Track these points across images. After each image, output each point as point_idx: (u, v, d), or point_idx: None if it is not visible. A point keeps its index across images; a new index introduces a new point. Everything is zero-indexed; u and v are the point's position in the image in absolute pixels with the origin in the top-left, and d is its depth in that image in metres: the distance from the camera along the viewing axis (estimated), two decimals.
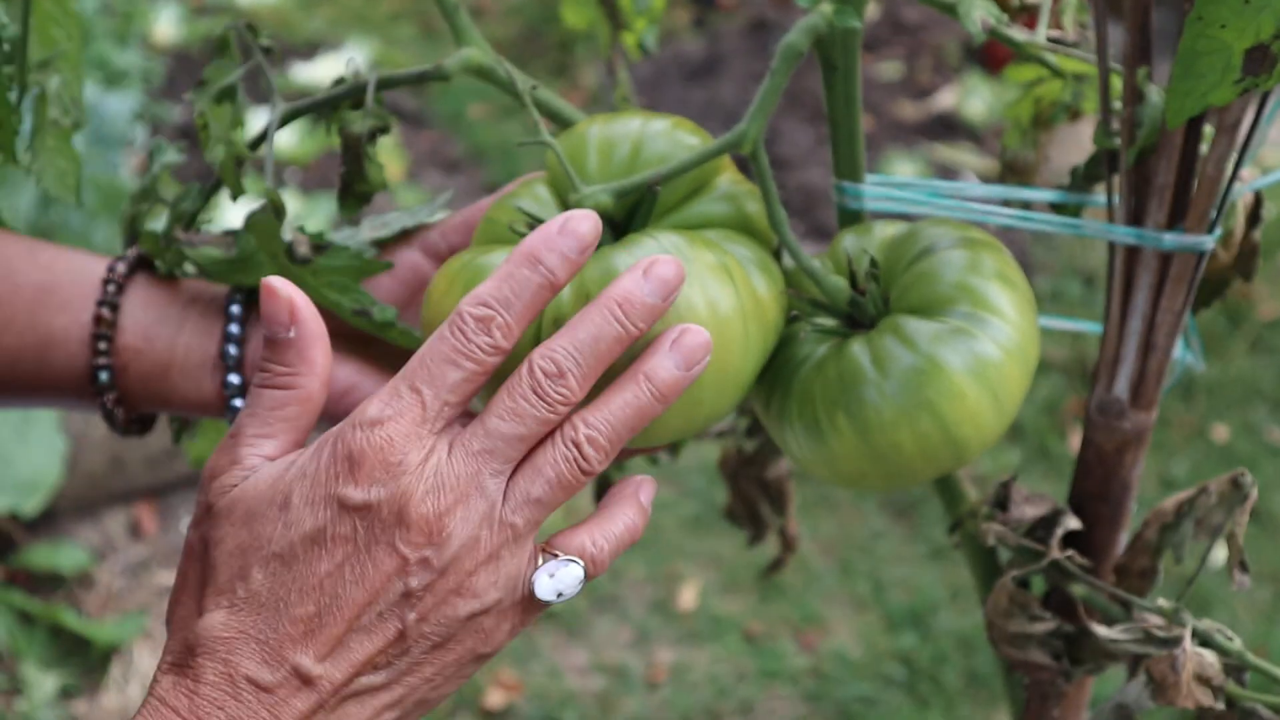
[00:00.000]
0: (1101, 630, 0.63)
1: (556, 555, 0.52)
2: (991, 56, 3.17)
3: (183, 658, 0.51)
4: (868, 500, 2.36)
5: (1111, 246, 0.64)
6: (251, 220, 0.64)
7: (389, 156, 2.84)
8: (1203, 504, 0.64)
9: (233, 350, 0.65)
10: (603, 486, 0.91)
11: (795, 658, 2.08)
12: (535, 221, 0.58)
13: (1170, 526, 0.65)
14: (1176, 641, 0.60)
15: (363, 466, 0.49)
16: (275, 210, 0.64)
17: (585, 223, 0.52)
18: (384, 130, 0.68)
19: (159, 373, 0.67)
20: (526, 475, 0.51)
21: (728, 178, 0.60)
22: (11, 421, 1.94)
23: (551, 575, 0.52)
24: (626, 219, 0.59)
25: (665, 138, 0.59)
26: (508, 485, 0.51)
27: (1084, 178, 0.66)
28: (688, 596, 2.16)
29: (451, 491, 0.50)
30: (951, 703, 2.04)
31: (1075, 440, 2.48)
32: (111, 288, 0.67)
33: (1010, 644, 0.66)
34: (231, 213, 2.11)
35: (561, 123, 0.64)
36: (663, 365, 0.52)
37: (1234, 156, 0.60)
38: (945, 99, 3.17)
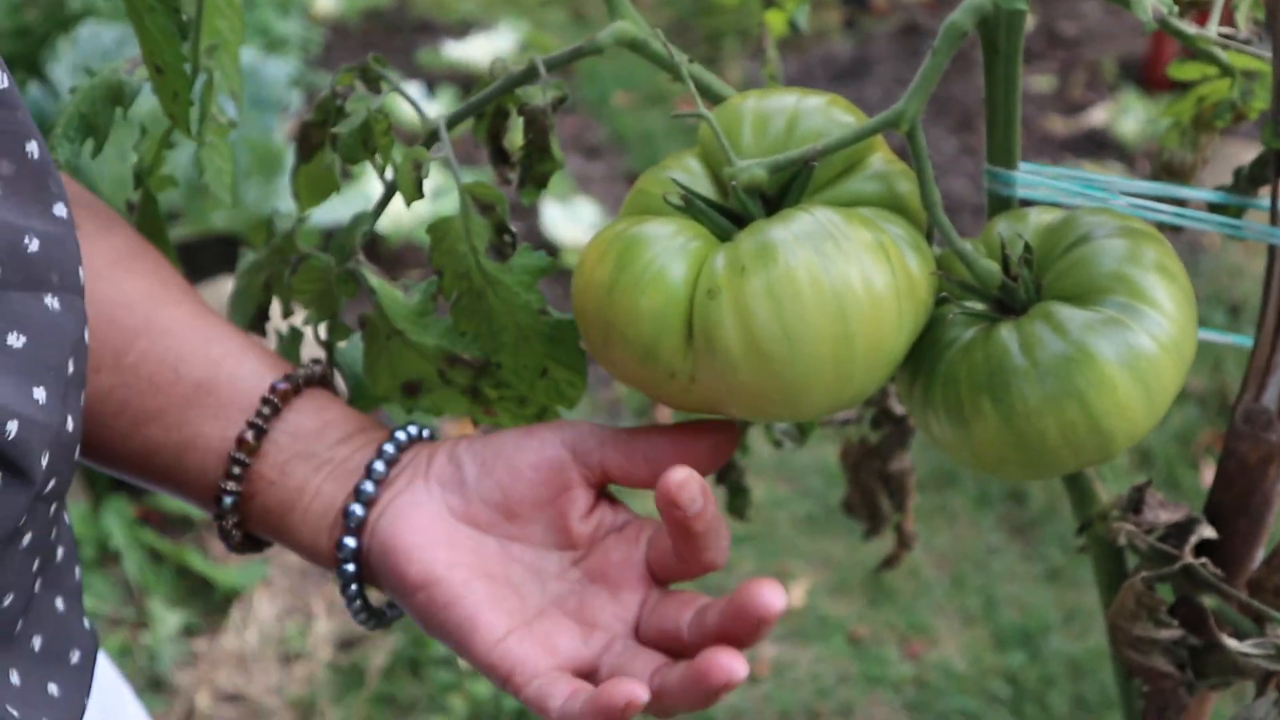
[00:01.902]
0: (1232, 643, 0.62)
1: None
2: (1149, 75, 3.09)
3: None
4: (986, 514, 2.32)
5: (1271, 251, 0.62)
6: (441, 226, 0.62)
7: None
8: None
9: (358, 511, 0.60)
10: (723, 473, 0.91)
11: (899, 665, 2.06)
12: (688, 192, 0.58)
13: None
14: None
15: None
16: (486, 208, 0.62)
17: None
18: (563, 99, 0.66)
19: (283, 510, 0.62)
20: None
21: (880, 157, 0.60)
22: None
23: None
24: (780, 194, 0.59)
25: (820, 114, 0.59)
26: None
27: (1248, 179, 0.64)
28: (796, 594, 2.15)
29: None
30: None
31: (1208, 474, 2.41)
32: (267, 410, 0.62)
33: (1133, 648, 0.64)
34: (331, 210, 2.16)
35: (713, 98, 0.64)
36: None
37: None
38: (1097, 116, 3.10)
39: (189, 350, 0.63)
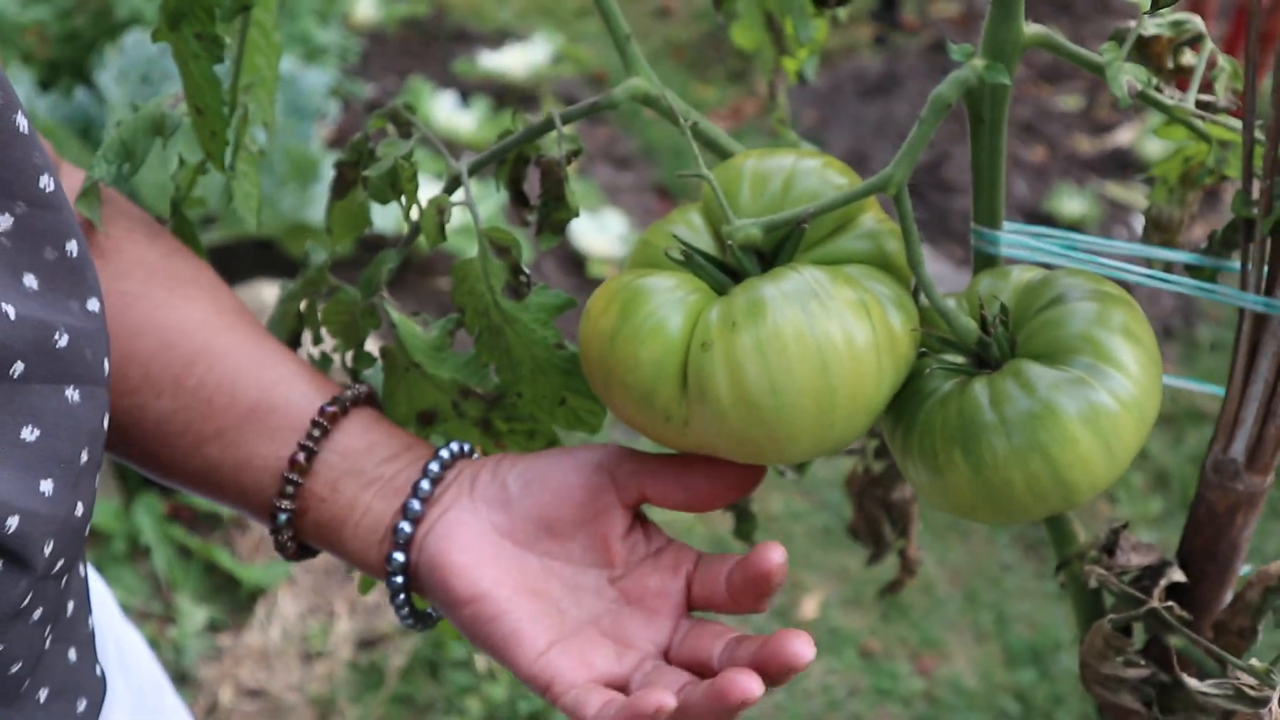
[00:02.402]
0: (1193, 683, 0.65)
1: None
2: None
3: None
4: (1000, 532, 2.35)
5: (1241, 312, 0.65)
6: (463, 268, 0.66)
7: None
8: None
9: (406, 528, 0.64)
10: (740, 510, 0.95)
11: (910, 679, 2.09)
12: (689, 249, 0.62)
13: (1274, 590, 0.67)
14: (1265, 701, 0.62)
15: None
16: (502, 251, 0.66)
17: None
18: (577, 152, 0.69)
19: (334, 525, 0.66)
20: None
21: (871, 216, 0.63)
22: None
23: None
24: (774, 251, 0.63)
25: (815, 175, 0.62)
26: None
27: (1221, 243, 0.68)
28: (810, 606, 2.19)
29: None
30: None
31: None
32: (317, 431, 0.66)
33: (1102, 685, 0.68)
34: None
35: (719, 151, 0.68)
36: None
37: None
38: (1123, 136, 3.11)
39: (244, 374, 0.67)
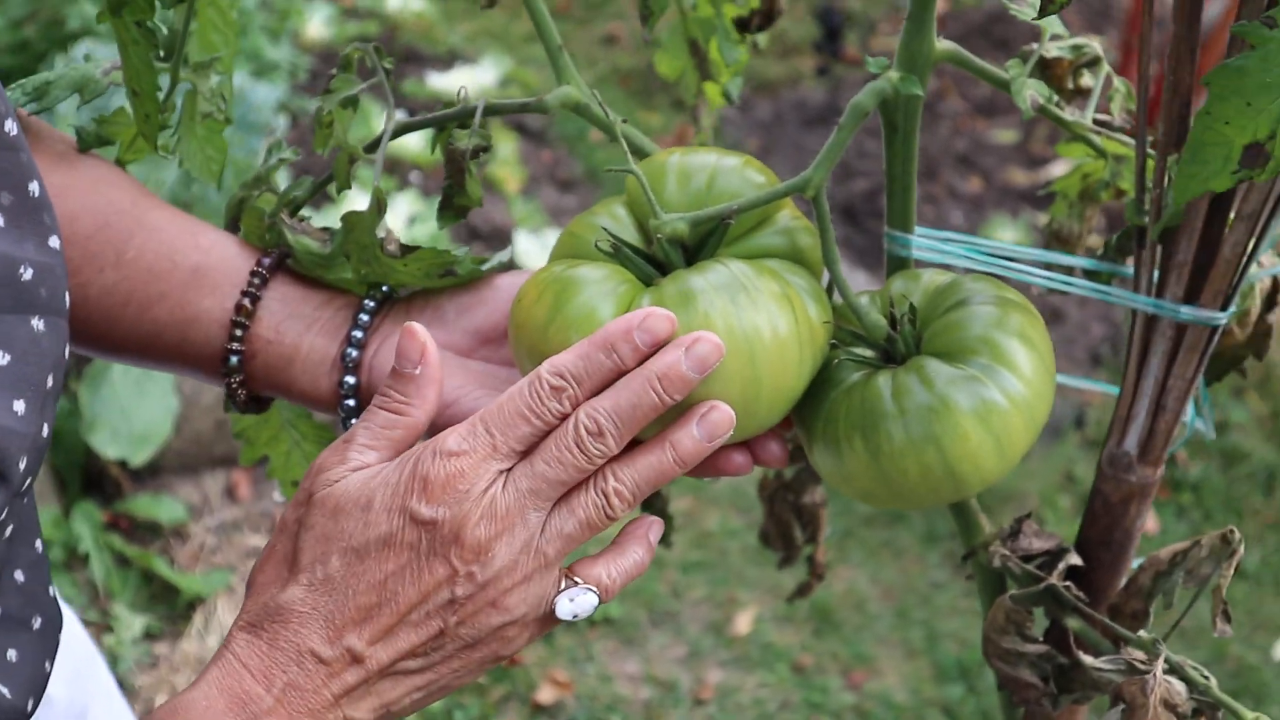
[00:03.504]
0: (1088, 659, 0.69)
1: (577, 583, 0.61)
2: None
3: (260, 620, 0.60)
4: (931, 551, 2.40)
5: (1134, 313, 0.70)
6: (350, 218, 0.72)
7: (508, 170, 2.95)
8: (1194, 556, 0.70)
9: (353, 354, 0.72)
10: (649, 502, 0.99)
11: (841, 694, 2.14)
12: (618, 241, 0.66)
13: (1164, 574, 0.71)
14: (1151, 671, 0.66)
15: (434, 488, 0.58)
16: (378, 207, 0.71)
17: (663, 323, 0.60)
18: (485, 149, 0.75)
19: (283, 364, 0.73)
20: (562, 514, 0.60)
21: (787, 213, 0.68)
22: (133, 377, 2.08)
23: (571, 600, 0.61)
24: (698, 245, 0.67)
25: (737, 174, 0.67)
26: (545, 520, 0.60)
27: (1115, 249, 0.73)
28: (743, 621, 2.22)
29: (501, 521, 0.59)
30: None
31: (1149, 518, 2.50)
32: (256, 280, 0.73)
33: (1003, 660, 0.72)
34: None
35: (645, 155, 0.72)
36: (689, 436, 0.60)
37: (1251, 242, 0.66)
38: (1057, 169, 3.20)
39: (181, 242, 0.74)
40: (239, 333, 0.73)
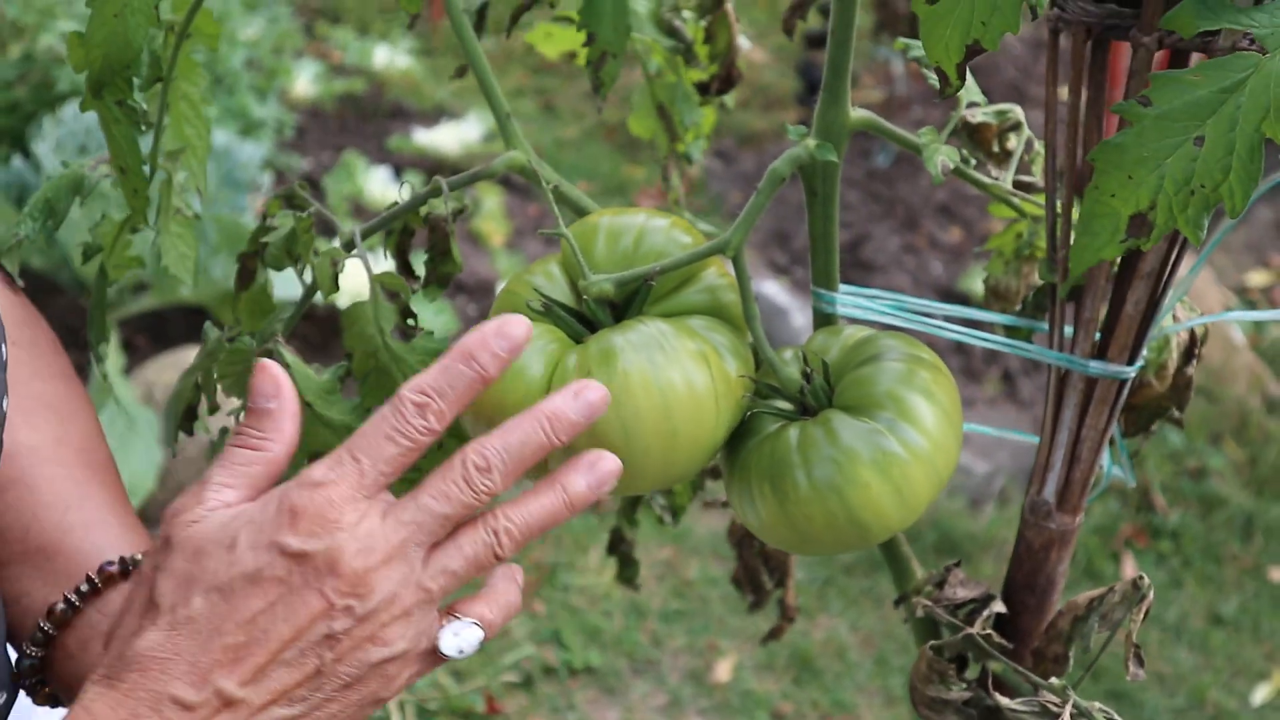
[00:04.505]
0: (1005, 701, 0.72)
1: (458, 617, 0.60)
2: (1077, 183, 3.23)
3: (115, 671, 0.56)
4: None
5: (1049, 367, 0.73)
6: (354, 311, 0.73)
7: (493, 224, 3.00)
8: (1109, 601, 0.72)
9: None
10: (614, 545, 1.02)
11: None
12: (549, 300, 0.69)
13: (1081, 619, 0.74)
14: (1060, 715, 0.69)
15: (303, 520, 0.56)
16: (393, 295, 0.73)
17: (518, 328, 0.60)
18: (462, 210, 0.76)
19: (75, 687, 0.67)
20: (447, 550, 0.59)
21: (713, 271, 0.71)
22: (116, 430, 2.11)
23: (456, 634, 0.60)
24: (626, 302, 0.70)
25: (663, 234, 0.70)
26: (428, 554, 0.59)
27: (1033, 306, 0.76)
28: (723, 669, 2.24)
29: (381, 552, 0.57)
30: None
31: (1129, 567, 2.51)
32: (85, 587, 0.70)
33: (929, 707, 0.74)
34: None
35: (582, 213, 0.76)
36: (578, 481, 0.61)
37: (1152, 298, 0.69)
38: None
39: (47, 513, 0.71)
40: (40, 637, 0.69)
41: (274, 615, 0.56)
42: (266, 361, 0.61)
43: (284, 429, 0.61)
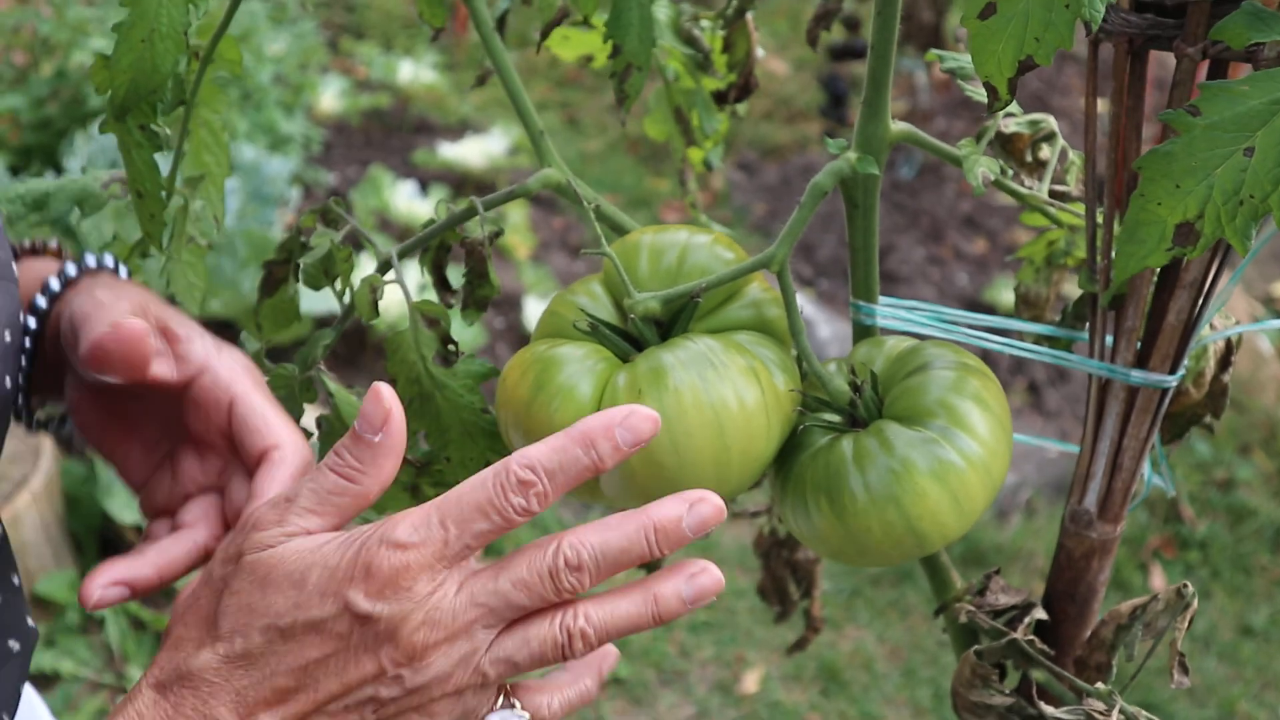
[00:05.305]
0: (1049, 710, 0.72)
1: (514, 705, 0.58)
2: (1116, 191, 3.23)
3: (169, 680, 0.57)
4: None
5: (1090, 377, 0.74)
6: (396, 339, 0.73)
7: (519, 237, 3.01)
8: (1152, 609, 0.73)
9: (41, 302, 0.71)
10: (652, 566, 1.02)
11: None
12: (595, 320, 0.69)
13: (1124, 627, 0.74)
14: None
15: (375, 580, 0.55)
16: (433, 322, 0.73)
17: (646, 423, 0.57)
18: (500, 234, 0.76)
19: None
20: (515, 638, 0.57)
21: (756, 285, 0.71)
22: None
23: None
24: (671, 320, 0.70)
25: (706, 250, 0.70)
26: (494, 640, 0.56)
27: (1073, 316, 0.76)
28: (750, 681, 2.24)
29: (445, 629, 0.55)
30: None
31: (1157, 577, 2.51)
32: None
33: (972, 712, 0.75)
34: None
35: (622, 230, 0.76)
36: (674, 594, 0.57)
37: (1194, 308, 0.70)
38: None
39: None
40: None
41: (327, 668, 0.56)
42: (381, 387, 0.59)
43: (383, 467, 0.59)
